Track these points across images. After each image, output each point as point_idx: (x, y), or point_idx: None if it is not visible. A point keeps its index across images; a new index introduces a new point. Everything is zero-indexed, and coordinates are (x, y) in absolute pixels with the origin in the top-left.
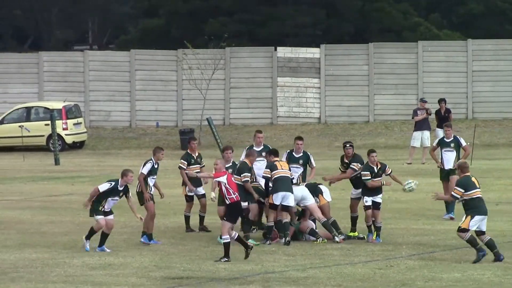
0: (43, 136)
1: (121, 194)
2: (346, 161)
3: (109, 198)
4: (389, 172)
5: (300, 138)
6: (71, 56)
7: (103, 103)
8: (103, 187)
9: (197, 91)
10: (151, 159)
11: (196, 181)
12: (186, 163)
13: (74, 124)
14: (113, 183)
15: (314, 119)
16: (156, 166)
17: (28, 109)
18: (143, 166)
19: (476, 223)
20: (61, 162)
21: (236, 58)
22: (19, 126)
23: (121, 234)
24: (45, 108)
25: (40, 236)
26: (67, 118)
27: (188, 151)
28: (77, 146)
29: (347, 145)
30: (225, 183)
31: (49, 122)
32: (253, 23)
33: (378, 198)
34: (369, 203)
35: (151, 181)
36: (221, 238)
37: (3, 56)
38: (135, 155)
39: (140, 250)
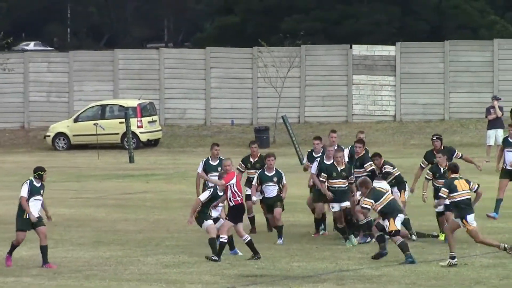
0: (117, 134)
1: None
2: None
3: (212, 205)
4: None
5: (318, 137)
6: (146, 54)
7: (178, 101)
8: (204, 196)
9: (272, 89)
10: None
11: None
12: (244, 166)
13: (149, 122)
14: (211, 190)
15: (389, 117)
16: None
17: (103, 107)
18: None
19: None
20: (136, 160)
21: (311, 56)
22: (94, 124)
23: (195, 232)
24: (120, 106)
25: (114, 234)
26: (142, 116)
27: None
28: (152, 144)
29: (434, 138)
30: (233, 185)
31: (123, 120)
32: (328, 21)
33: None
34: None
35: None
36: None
37: (78, 53)
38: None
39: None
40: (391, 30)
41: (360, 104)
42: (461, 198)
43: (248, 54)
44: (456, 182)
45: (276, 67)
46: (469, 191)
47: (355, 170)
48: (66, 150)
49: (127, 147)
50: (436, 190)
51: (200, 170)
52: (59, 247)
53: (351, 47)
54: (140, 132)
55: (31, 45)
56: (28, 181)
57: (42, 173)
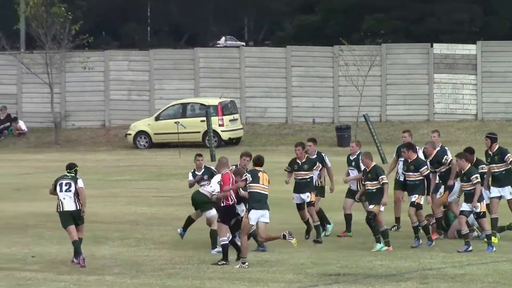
0: (199, 132)
1: None
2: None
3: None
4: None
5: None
6: (227, 52)
7: (259, 99)
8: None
9: (354, 88)
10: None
11: (302, 188)
12: (290, 168)
13: (230, 120)
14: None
15: (471, 116)
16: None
17: (184, 105)
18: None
19: None
20: (217, 158)
21: (392, 55)
22: (175, 123)
23: (279, 232)
24: (201, 104)
25: (196, 233)
26: (223, 115)
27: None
28: (233, 142)
29: (485, 136)
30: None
31: (205, 118)
32: (409, 20)
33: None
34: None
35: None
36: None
37: (159, 52)
38: (292, 152)
39: (297, 247)
40: (472, 29)
41: (442, 103)
42: None
43: (329, 52)
44: None
45: (357, 66)
46: None
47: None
48: (147, 149)
49: (208, 145)
50: None
51: (190, 179)
52: (141, 245)
53: (432, 46)
54: (222, 131)
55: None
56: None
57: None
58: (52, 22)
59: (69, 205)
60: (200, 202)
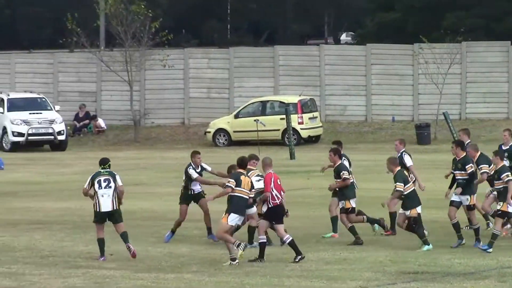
0: (278, 130)
1: None
2: None
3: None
4: None
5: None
6: (306, 50)
7: (338, 97)
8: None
9: (433, 86)
10: (190, 164)
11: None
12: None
13: (310, 118)
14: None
15: None
16: (198, 171)
17: (264, 103)
18: (189, 173)
19: None
20: (296, 156)
21: (472, 53)
22: (255, 120)
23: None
24: (281, 102)
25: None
26: (303, 112)
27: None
28: (313, 140)
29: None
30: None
31: (284, 116)
32: (489, 18)
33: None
34: None
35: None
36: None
37: (239, 50)
38: (371, 150)
39: (375, 245)
40: None
41: None
42: None
43: (409, 50)
44: None
45: (437, 64)
46: None
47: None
48: (226, 146)
49: (288, 143)
50: None
51: (195, 175)
52: (219, 243)
53: None
54: (301, 129)
55: None
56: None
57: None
58: (131, 19)
59: (106, 204)
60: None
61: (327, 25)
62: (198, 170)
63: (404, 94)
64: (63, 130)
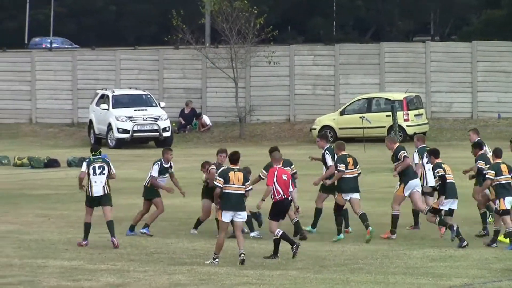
0: (384, 127)
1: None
2: None
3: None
4: None
5: None
6: (412, 47)
7: (444, 94)
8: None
9: None
10: (160, 160)
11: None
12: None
13: (415, 115)
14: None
15: None
16: (166, 166)
17: (369, 100)
18: (152, 168)
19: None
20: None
21: None
22: (360, 117)
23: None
24: (386, 99)
25: (380, 227)
26: (408, 109)
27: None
28: None
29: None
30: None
31: (390, 113)
32: None
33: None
34: None
35: (162, 180)
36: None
37: (344, 47)
38: None
39: (480, 242)
40: None
41: None
42: None
43: None
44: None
45: None
46: None
47: None
48: (332, 143)
49: None
50: None
51: (155, 174)
52: (324, 240)
53: None
54: (407, 125)
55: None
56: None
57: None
58: (236, 16)
59: (98, 190)
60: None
61: (432, 22)
62: (166, 166)
63: (510, 91)
64: (168, 127)
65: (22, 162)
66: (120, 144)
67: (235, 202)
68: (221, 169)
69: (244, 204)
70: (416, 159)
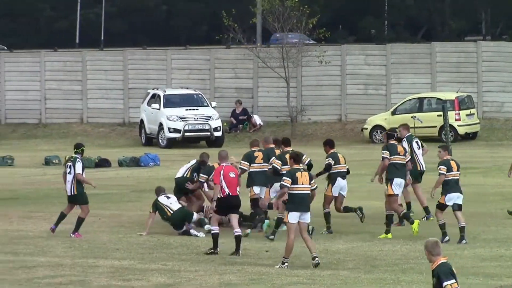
0: (435, 127)
1: None
2: None
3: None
4: None
5: None
6: (463, 47)
7: (495, 94)
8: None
9: None
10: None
11: None
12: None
13: (467, 115)
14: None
15: None
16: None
17: (421, 100)
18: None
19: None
20: (453, 153)
21: None
22: (412, 117)
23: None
24: (438, 98)
25: (431, 228)
26: (460, 109)
27: None
28: (470, 137)
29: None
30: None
31: (441, 113)
32: None
33: None
34: None
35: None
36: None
37: (396, 46)
38: None
39: None
40: None
41: None
42: None
43: None
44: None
45: None
46: None
47: None
48: (383, 143)
49: (444, 140)
50: None
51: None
52: (375, 240)
53: None
54: (458, 125)
55: None
56: (78, 159)
57: (84, 148)
58: (288, 15)
59: (68, 189)
60: None
61: (484, 21)
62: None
63: None
64: (219, 127)
65: None
66: (171, 143)
67: (303, 203)
68: (289, 169)
69: (309, 205)
70: (406, 147)
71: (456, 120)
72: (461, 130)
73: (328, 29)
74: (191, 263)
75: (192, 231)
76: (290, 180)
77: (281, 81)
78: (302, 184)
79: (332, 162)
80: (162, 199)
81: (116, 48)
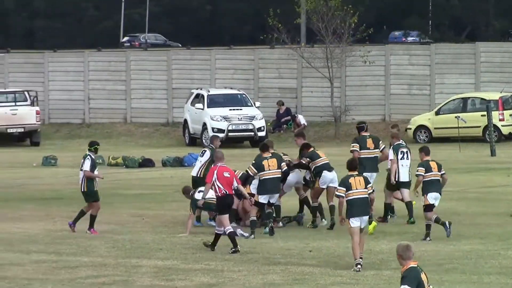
0: (479, 127)
1: None
2: None
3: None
4: None
5: None
6: (508, 47)
7: None
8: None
9: None
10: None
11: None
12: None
13: (511, 115)
14: None
15: None
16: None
17: (465, 100)
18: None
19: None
20: (497, 153)
21: None
22: (456, 117)
23: None
24: (482, 99)
25: (474, 228)
26: (504, 109)
27: None
28: None
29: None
30: (215, 180)
31: (485, 113)
32: None
33: None
34: None
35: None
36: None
37: (440, 46)
38: None
39: None
40: None
41: None
42: None
43: None
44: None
45: None
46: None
47: None
48: (427, 143)
49: (488, 140)
50: None
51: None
52: (418, 240)
53: None
54: (502, 125)
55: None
56: (88, 156)
57: (98, 146)
58: (332, 15)
59: (80, 187)
60: None
61: None
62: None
63: None
64: (263, 127)
65: (116, 162)
66: None
67: (362, 207)
68: (342, 178)
69: (368, 209)
70: (391, 155)
71: (500, 120)
72: (505, 130)
73: (372, 29)
74: (234, 263)
75: (238, 231)
76: (344, 188)
77: (325, 81)
78: (357, 189)
79: (309, 160)
80: (198, 196)
81: (160, 48)
